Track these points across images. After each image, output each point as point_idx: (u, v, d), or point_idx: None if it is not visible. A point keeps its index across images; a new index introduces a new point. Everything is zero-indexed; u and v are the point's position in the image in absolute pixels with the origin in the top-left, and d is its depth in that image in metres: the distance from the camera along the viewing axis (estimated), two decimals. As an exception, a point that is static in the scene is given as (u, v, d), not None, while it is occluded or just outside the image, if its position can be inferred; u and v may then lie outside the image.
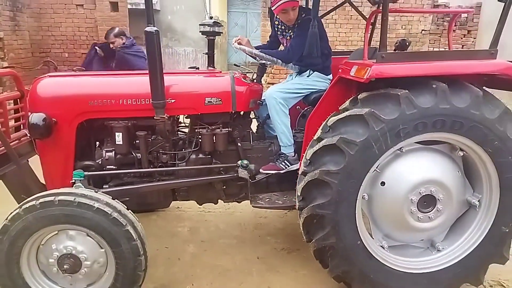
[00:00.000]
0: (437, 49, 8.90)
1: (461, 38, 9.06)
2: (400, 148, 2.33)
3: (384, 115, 2.16)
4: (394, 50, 3.68)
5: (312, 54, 2.41)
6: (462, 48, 9.02)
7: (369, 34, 2.38)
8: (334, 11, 3.53)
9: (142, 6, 13.77)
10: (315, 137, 2.39)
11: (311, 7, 2.53)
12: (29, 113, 2.45)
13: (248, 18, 16.12)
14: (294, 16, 2.91)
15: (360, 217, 2.35)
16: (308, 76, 3.01)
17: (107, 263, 2.24)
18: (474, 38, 9.04)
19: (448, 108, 2.16)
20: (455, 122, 2.19)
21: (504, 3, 2.22)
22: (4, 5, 7.58)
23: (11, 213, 2.13)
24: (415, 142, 2.36)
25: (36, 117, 2.38)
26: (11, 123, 2.89)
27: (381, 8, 2.22)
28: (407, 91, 2.17)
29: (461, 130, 2.22)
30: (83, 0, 8.41)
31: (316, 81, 2.98)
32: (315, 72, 3.00)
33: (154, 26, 2.28)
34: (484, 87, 2.35)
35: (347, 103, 2.36)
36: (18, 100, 2.97)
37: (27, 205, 2.11)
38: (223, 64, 13.93)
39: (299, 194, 2.40)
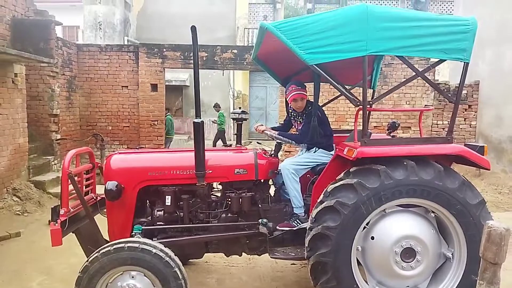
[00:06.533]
0: (440, 122, 9.80)
1: (463, 112, 9.91)
2: (384, 209, 3.01)
3: (368, 184, 2.88)
4: (387, 129, 4.46)
5: (314, 140, 3.23)
6: (464, 121, 9.92)
7: (357, 124, 3.13)
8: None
9: (174, 83, 15.41)
10: (318, 200, 3.08)
11: None
12: (106, 182, 3.28)
13: (268, 91, 17.69)
14: (302, 104, 3.77)
15: (355, 265, 2.97)
16: (314, 152, 3.76)
17: (158, 298, 2.89)
18: (475, 112, 9.88)
19: (417, 180, 2.88)
20: (423, 190, 2.89)
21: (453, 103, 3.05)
22: (62, 87, 9.01)
23: (90, 256, 2.87)
24: (396, 205, 3.04)
25: (111, 184, 3.21)
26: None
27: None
28: (384, 166, 2.91)
29: (429, 196, 2.90)
30: (128, 82, 9.85)
31: (321, 156, 3.73)
32: (320, 149, 3.76)
33: (200, 118, 3.16)
34: (453, 162, 3.10)
35: (342, 174, 3.09)
36: (90, 170, 3.85)
37: (103, 250, 2.84)
38: (245, 131, 15.13)
39: (307, 245, 3.04)
